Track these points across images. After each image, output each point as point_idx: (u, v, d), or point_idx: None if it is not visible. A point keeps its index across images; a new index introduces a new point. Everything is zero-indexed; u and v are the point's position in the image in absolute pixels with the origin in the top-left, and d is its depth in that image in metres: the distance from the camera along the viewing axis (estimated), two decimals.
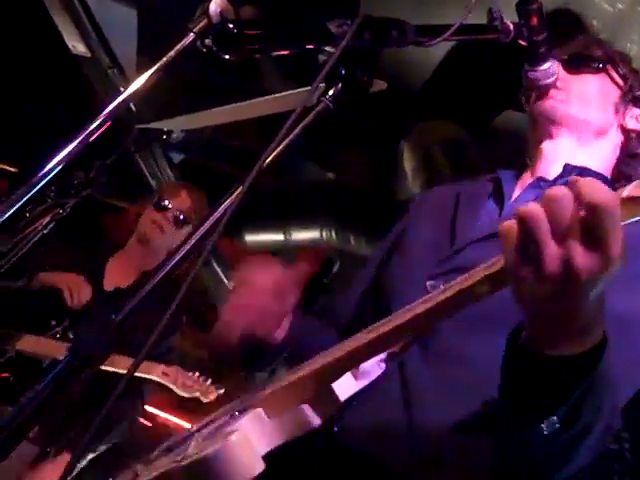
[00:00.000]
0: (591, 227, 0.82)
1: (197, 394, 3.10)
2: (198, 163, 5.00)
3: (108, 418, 0.96)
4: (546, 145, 1.61)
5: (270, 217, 5.25)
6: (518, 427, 1.08)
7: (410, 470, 1.29)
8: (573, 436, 1.07)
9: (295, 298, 1.53)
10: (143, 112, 3.86)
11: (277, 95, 3.48)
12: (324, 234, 5.20)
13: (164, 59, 1.14)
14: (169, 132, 4.17)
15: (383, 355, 1.33)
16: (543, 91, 1.57)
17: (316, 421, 1.15)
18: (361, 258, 4.96)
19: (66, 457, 3.02)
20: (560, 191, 0.84)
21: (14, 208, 1.12)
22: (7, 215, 1.11)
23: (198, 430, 1.34)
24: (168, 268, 0.99)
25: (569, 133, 1.59)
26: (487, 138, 4.05)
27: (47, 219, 2.40)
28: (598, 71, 1.62)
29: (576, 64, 1.61)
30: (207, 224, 1.03)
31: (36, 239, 2.41)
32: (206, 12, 1.09)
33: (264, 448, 1.12)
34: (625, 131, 1.63)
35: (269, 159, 1.03)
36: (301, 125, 1.05)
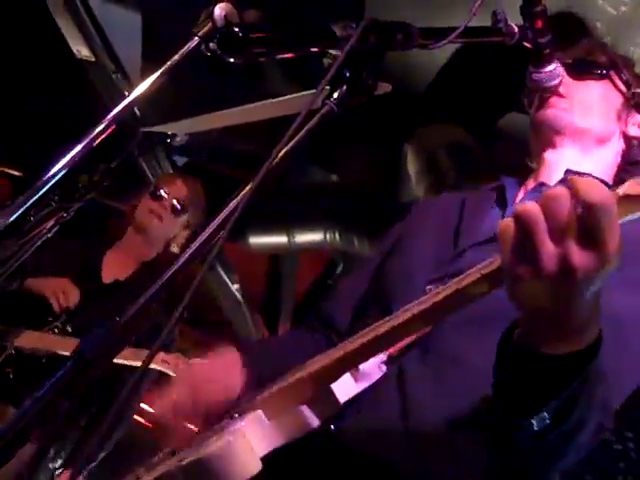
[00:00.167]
0: (588, 225, 0.83)
1: None
2: (202, 166, 5.00)
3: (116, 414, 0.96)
4: (549, 154, 1.62)
5: (274, 219, 5.25)
6: (509, 423, 1.09)
7: (407, 470, 1.30)
8: (564, 432, 1.08)
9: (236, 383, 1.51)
10: (147, 115, 3.86)
11: (281, 98, 3.49)
12: (328, 236, 5.20)
13: (168, 63, 1.14)
14: (173, 135, 4.17)
15: (383, 357, 1.33)
16: (547, 94, 1.57)
17: (315, 422, 1.16)
18: (365, 259, 4.95)
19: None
20: (557, 190, 0.84)
21: (19, 212, 1.12)
22: (12, 219, 1.11)
23: (198, 432, 1.35)
24: (173, 270, 0.99)
25: (572, 142, 1.59)
26: (491, 141, 4.04)
27: (51, 223, 2.40)
28: (601, 77, 1.62)
29: (580, 69, 1.62)
30: (213, 226, 1.03)
31: (40, 243, 2.41)
32: (210, 16, 1.09)
33: (263, 449, 1.13)
34: (627, 138, 1.64)
35: (275, 162, 1.03)
36: (306, 128, 1.05)
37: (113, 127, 1.18)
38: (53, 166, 1.16)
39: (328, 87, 1.11)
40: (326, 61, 1.11)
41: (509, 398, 1.07)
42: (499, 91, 3.44)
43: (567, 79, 1.58)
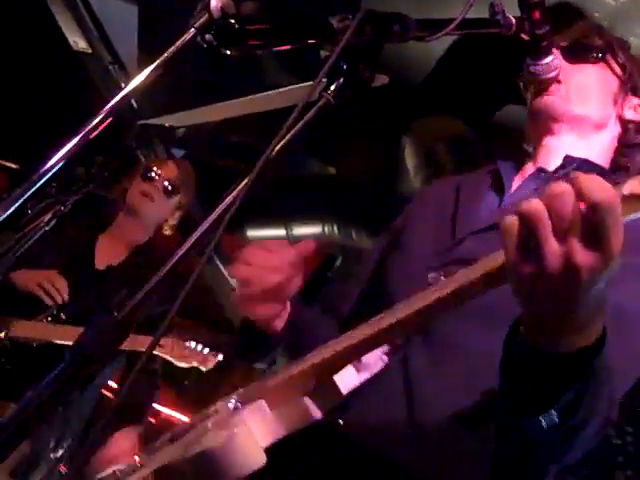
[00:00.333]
0: (592, 225, 0.82)
1: (195, 363, 3.08)
2: (199, 158, 5.00)
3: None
4: (547, 140, 1.62)
5: (272, 212, 5.25)
6: (516, 421, 1.09)
7: (411, 462, 1.30)
8: (571, 428, 1.08)
9: (299, 281, 1.53)
10: (144, 108, 3.85)
11: (278, 90, 3.48)
12: (326, 229, 5.20)
13: (165, 55, 1.13)
14: (170, 128, 4.16)
15: (385, 348, 1.33)
16: (544, 85, 1.57)
17: (318, 413, 1.15)
18: (363, 252, 4.95)
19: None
20: (561, 188, 0.83)
21: (16, 205, 1.11)
22: (9, 212, 1.11)
23: (201, 421, 1.35)
24: (172, 263, 0.99)
25: (569, 129, 1.59)
26: (489, 132, 4.04)
27: (48, 216, 2.40)
28: (597, 61, 1.62)
29: (575, 53, 1.61)
30: (211, 219, 1.03)
31: (37, 236, 2.41)
32: (207, 7, 1.09)
33: (266, 440, 1.12)
34: (623, 122, 1.63)
35: (272, 154, 1.03)
36: (303, 120, 1.05)
37: (110, 119, 1.17)
38: (50, 159, 1.16)
39: (325, 79, 1.11)
40: (323, 53, 1.11)
41: (516, 397, 1.07)
42: (496, 83, 3.43)
43: (563, 63, 1.58)
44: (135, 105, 3.77)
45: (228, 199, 1.05)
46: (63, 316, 3.15)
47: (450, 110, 4.10)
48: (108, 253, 3.41)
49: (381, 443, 1.32)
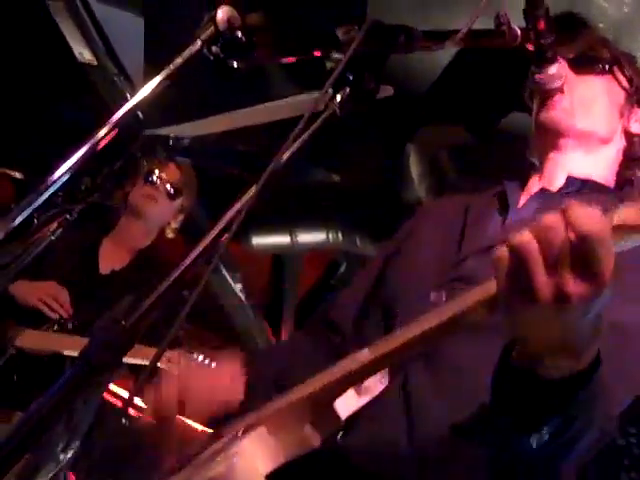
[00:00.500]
0: (582, 255, 0.82)
1: None
2: (205, 168, 5.01)
3: None
4: (552, 155, 1.60)
5: (276, 219, 5.25)
6: (507, 439, 1.10)
7: None
8: (561, 445, 1.08)
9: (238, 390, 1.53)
10: (150, 118, 3.86)
11: (284, 101, 3.49)
12: (330, 236, 5.20)
13: (171, 66, 1.14)
14: (175, 138, 4.17)
15: (385, 370, 1.33)
16: (549, 95, 1.56)
17: (317, 440, 1.15)
18: (367, 259, 4.96)
19: None
20: (551, 220, 0.84)
21: (24, 214, 1.12)
22: (18, 221, 1.12)
23: (205, 447, 1.34)
24: (179, 272, 0.99)
25: (575, 144, 1.57)
26: (493, 141, 4.04)
27: (54, 225, 2.41)
28: (604, 73, 1.61)
29: (582, 64, 1.59)
30: (218, 228, 1.03)
31: (43, 245, 2.42)
32: (213, 19, 1.09)
33: (267, 467, 1.12)
34: (629, 135, 1.62)
35: (280, 164, 1.03)
36: (309, 131, 1.06)
37: (116, 130, 1.18)
38: (56, 169, 1.16)
39: (331, 90, 1.11)
40: (329, 64, 1.11)
41: (507, 417, 1.07)
42: (501, 92, 3.44)
43: (569, 74, 1.57)
44: (141, 116, 3.78)
45: (235, 208, 1.05)
46: (70, 325, 3.14)
47: (455, 119, 4.10)
48: (112, 258, 3.41)
49: (381, 464, 1.32)
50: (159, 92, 1.16)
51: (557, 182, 1.57)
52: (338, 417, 1.16)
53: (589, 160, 1.58)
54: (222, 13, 1.08)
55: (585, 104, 1.56)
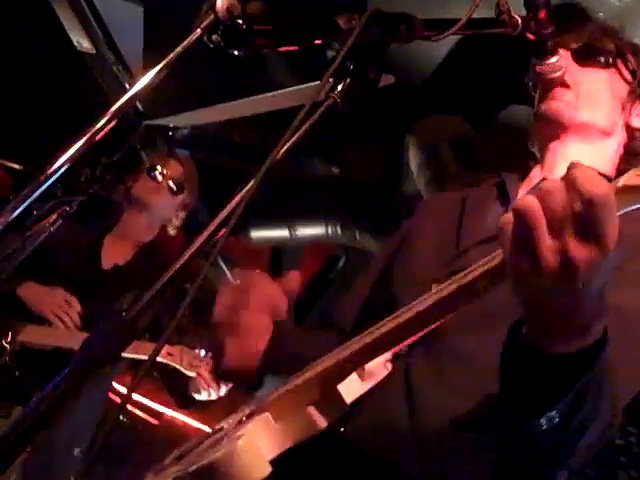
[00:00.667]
0: (585, 219, 0.83)
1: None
2: (204, 159, 5.00)
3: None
4: (553, 146, 1.60)
5: (275, 213, 5.25)
6: (517, 423, 1.09)
7: (413, 468, 1.30)
8: (572, 430, 1.07)
9: (284, 312, 1.53)
10: (149, 108, 3.85)
11: (284, 91, 3.48)
12: (329, 230, 5.20)
13: (171, 55, 1.13)
14: (174, 128, 4.16)
15: (389, 355, 1.33)
16: (550, 85, 1.56)
17: (322, 423, 1.15)
18: (366, 253, 4.96)
19: None
20: (554, 184, 0.85)
21: (23, 206, 1.11)
22: (16, 213, 1.11)
23: (207, 437, 1.35)
24: (179, 265, 0.99)
25: (575, 135, 1.57)
26: (492, 132, 4.04)
27: (54, 217, 2.40)
28: (608, 66, 1.60)
29: (586, 56, 1.59)
30: (217, 221, 1.02)
31: (43, 237, 2.41)
32: (213, 8, 1.08)
33: (272, 452, 1.12)
34: (629, 129, 1.62)
35: (280, 155, 1.02)
36: (310, 121, 1.05)
37: (115, 121, 1.17)
38: (55, 160, 1.16)
39: (332, 79, 1.11)
40: (330, 53, 1.11)
41: (516, 398, 1.06)
42: (501, 82, 3.43)
43: (573, 66, 1.57)
44: (140, 106, 3.77)
45: (234, 201, 1.05)
46: None
47: (454, 109, 4.09)
48: (115, 253, 3.42)
49: (385, 451, 1.32)
50: (158, 82, 1.15)
51: (559, 171, 1.57)
52: (344, 400, 1.16)
53: (590, 151, 1.58)
54: (222, 1, 1.07)
55: (589, 98, 1.56)
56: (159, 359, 2.97)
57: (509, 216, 0.88)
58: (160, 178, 3.42)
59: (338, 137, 4.36)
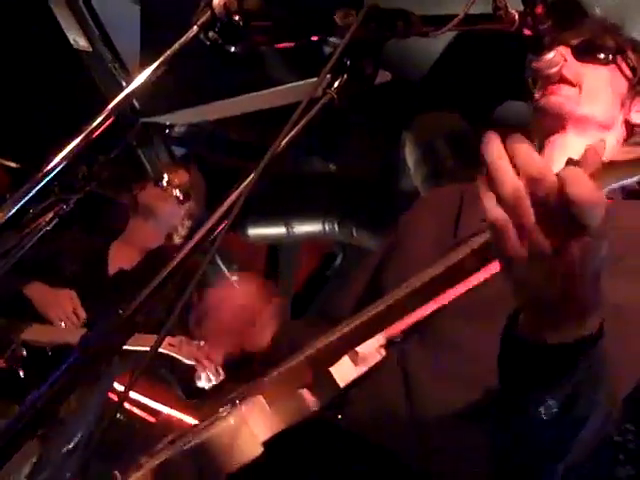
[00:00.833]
0: (572, 214, 0.83)
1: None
2: (200, 157, 4.99)
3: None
4: (552, 140, 1.61)
5: (272, 210, 5.25)
6: (516, 412, 1.09)
7: (412, 456, 1.30)
8: (571, 421, 1.07)
9: (272, 309, 1.55)
10: (146, 106, 3.85)
11: (281, 87, 3.48)
12: (326, 227, 5.19)
13: (167, 53, 1.13)
14: (171, 126, 4.16)
15: (382, 341, 1.33)
16: (549, 81, 1.56)
17: (315, 406, 1.16)
18: (363, 250, 4.96)
19: None
20: (547, 170, 0.86)
21: (20, 204, 1.11)
22: (13, 211, 1.11)
23: (201, 422, 1.35)
24: (176, 262, 0.99)
25: (574, 129, 1.58)
26: (489, 128, 4.03)
27: (50, 215, 2.39)
28: (608, 62, 1.60)
29: (587, 52, 1.60)
30: (215, 218, 1.02)
31: (39, 235, 2.40)
32: (210, 4, 1.08)
33: (265, 434, 1.13)
34: (629, 125, 1.63)
35: (277, 152, 1.02)
36: (307, 117, 1.05)
37: (112, 118, 1.17)
38: (52, 158, 1.16)
39: (329, 76, 1.11)
40: (327, 49, 1.10)
41: (515, 388, 1.06)
42: (498, 79, 3.43)
43: (572, 61, 1.57)
44: (137, 104, 3.77)
45: (232, 198, 1.05)
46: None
47: (451, 106, 4.09)
48: (121, 259, 3.44)
49: (380, 436, 1.32)
50: (155, 79, 1.15)
51: (557, 166, 1.57)
52: (336, 383, 1.16)
53: (586, 145, 1.58)
54: None
55: (590, 93, 1.57)
56: (160, 350, 2.99)
57: (494, 207, 0.89)
58: (167, 186, 3.45)
59: (336, 134, 4.36)
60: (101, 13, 3.88)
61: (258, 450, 1.10)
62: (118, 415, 3.46)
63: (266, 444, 1.12)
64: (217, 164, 4.86)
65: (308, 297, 5.53)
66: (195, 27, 1.09)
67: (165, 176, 3.48)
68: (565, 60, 1.56)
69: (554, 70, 1.54)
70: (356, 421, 1.33)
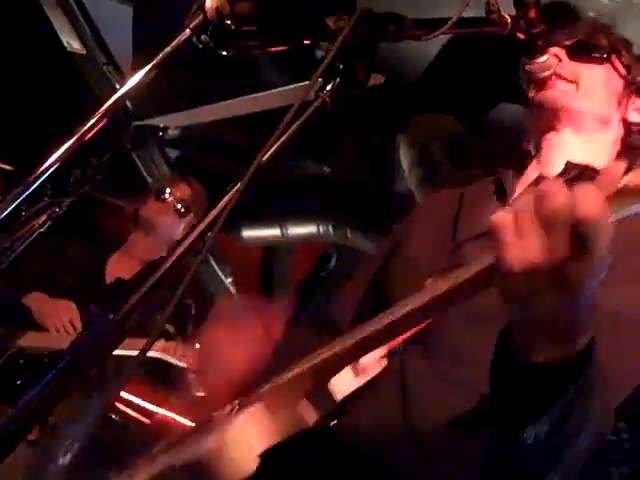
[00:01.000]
0: (577, 232, 0.83)
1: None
2: (193, 159, 4.99)
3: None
4: (548, 137, 1.60)
5: (267, 212, 5.25)
6: (504, 430, 1.09)
7: (408, 466, 1.30)
8: (561, 438, 1.07)
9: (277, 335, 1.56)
10: (139, 109, 3.84)
11: (274, 91, 3.48)
12: (321, 229, 5.20)
13: (160, 56, 1.13)
14: (165, 129, 4.16)
15: (383, 351, 1.33)
16: (543, 83, 1.56)
17: (313, 418, 1.15)
18: (358, 252, 4.96)
19: None
20: (552, 188, 0.84)
21: (11, 207, 1.11)
22: (4, 214, 1.11)
23: (198, 428, 1.34)
24: (167, 265, 0.98)
25: (571, 125, 1.58)
26: (483, 131, 4.04)
27: (43, 218, 2.39)
28: (603, 61, 1.61)
29: (581, 52, 1.59)
30: (206, 221, 1.02)
31: (32, 238, 2.40)
32: (202, 8, 1.08)
33: (261, 445, 1.12)
34: (626, 124, 1.63)
35: (268, 155, 1.02)
36: (299, 121, 1.05)
37: (105, 121, 1.16)
38: (45, 160, 1.15)
39: (321, 79, 1.11)
40: (319, 53, 1.10)
41: (503, 405, 1.07)
42: (492, 81, 3.43)
43: (567, 61, 1.57)
44: (130, 106, 3.76)
45: (224, 200, 1.05)
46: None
47: (445, 108, 4.10)
48: (120, 270, 3.44)
49: (377, 445, 1.32)
50: (148, 82, 1.15)
51: (555, 168, 1.57)
52: (335, 394, 1.16)
53: (585, 144, 1.58)
54: (211, 1, 1.07)
55: (587, 90, 1.57)
56: (154, 354, 3.00)
57: (501, 213, 0.88)
58: (169, 199, 3.46)
59: (330, 137, 4.36)
60: (94, 16, 3.88)
61: (254, 462, 1.09)
62: (113, 416, 3.45)
63: (262, 455, 1.12)
64: (211, 166, 4.86)
65: (303, 298, 5.53)
66: (187, 30, 1.09)
67: (167, 190, 3.48)
68: (560, 60, 1.56)
69: (547, 73, 1.54)
70: (354, 431, 1.32)
